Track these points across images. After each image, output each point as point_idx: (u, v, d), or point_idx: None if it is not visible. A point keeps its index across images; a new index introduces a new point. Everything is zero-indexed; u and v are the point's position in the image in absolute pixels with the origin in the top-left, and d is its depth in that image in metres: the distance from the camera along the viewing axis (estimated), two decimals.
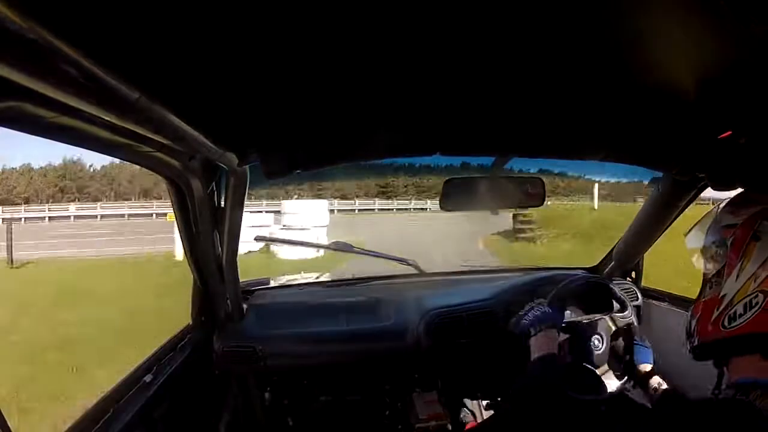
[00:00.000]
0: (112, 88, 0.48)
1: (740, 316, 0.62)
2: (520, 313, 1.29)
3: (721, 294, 0.66)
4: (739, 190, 0.79)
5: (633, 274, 1.72)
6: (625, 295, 1.48)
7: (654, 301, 1.63)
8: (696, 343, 0.71)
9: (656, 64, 0.63)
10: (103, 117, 0.53)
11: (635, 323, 1.41)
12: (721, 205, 0.75)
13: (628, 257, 1.68)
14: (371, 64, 0.63)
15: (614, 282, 1.57)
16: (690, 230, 0.81)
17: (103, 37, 0.43)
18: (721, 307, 0.66)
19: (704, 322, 0.69)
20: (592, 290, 1.45)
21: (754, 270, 0.62)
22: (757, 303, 0.60)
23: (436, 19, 0.51)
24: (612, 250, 1.74)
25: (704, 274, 0.73)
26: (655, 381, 1.17)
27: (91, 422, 0.91)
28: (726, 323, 0.64)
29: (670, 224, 1.47)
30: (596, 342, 1.36)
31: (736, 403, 0.59)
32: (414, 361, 1.49)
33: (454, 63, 0.64)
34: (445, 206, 1.13)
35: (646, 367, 1.22)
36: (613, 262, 1.72)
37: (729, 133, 0.85)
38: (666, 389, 1.14)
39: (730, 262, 0.66)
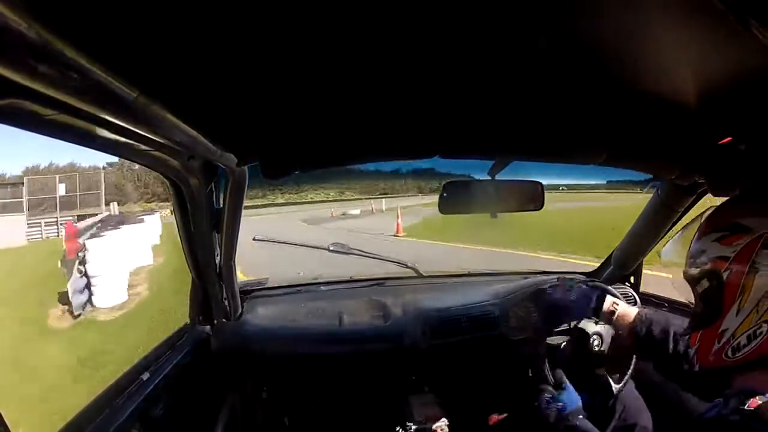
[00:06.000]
0: (111, 87, 0.48)
1: (744, 346, 0.61)
2: (537, 408, 1.27)
3: (721, 329, 0.64)
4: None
5: (632, 279, 1.72)
6: (623, 298, 1.48)
7: (652, 307, 1.62)
8: (697, 368, 0.71)
9: (657, 69, 0.63)
10: (102, 115, 0.53)
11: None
12: (704, 227, 0.70)
13: (626, 262, 1.68)
14: (371, 65, 0.63)
15: (613, 287, 1.57)
16: (665, 247, 0.79)
17: (102, 36, 0.43)
18: (722, 341, 0.64)
19: (704, 353, 0.67)
20: (591, 295, 1.45)
21: (754, 304, 0.61)
22: (761, 333, 0.60)
23: (436, 21, 0.51)
24: (611, 254, 1.74)
25: (696, 306, 0.70)
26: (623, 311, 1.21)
27: (88, 420, 0.90)
28: (729, 354, 0.63)
29: (670, 229, 1.47)
30: (596, 342, 1.36)
31: (737, 413, 0.58)
32: (412, 362, 1.49)
33: (455, 66, 0.64)
34: (443, 209, 1.13)
35: (608, 303, 1.25)
36: (611, 267, 1.72)
37: (729, 138, 0.85)
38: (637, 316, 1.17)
39: (728, 297, 0.63)
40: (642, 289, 1.72)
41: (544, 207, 1.21)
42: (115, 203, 22.59)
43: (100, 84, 0.46)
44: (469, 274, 2.03)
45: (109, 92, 0.48)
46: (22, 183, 20.91)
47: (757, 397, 0.57)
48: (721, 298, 0.64)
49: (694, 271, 0.68)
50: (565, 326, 1.40)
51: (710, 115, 0.77)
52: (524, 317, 1.56)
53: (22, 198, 20.06)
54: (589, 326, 1.37)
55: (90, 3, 0.40)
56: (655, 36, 0.52)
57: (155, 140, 0.72)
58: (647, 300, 1.65)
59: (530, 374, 1.50)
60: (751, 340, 0.60)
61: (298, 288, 1.79)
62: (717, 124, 0.82)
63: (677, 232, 0.79)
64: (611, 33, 0.53)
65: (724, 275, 0.64)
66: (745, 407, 0.57)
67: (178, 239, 1.27)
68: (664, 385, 1.33)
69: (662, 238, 1.52)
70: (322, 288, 1.79)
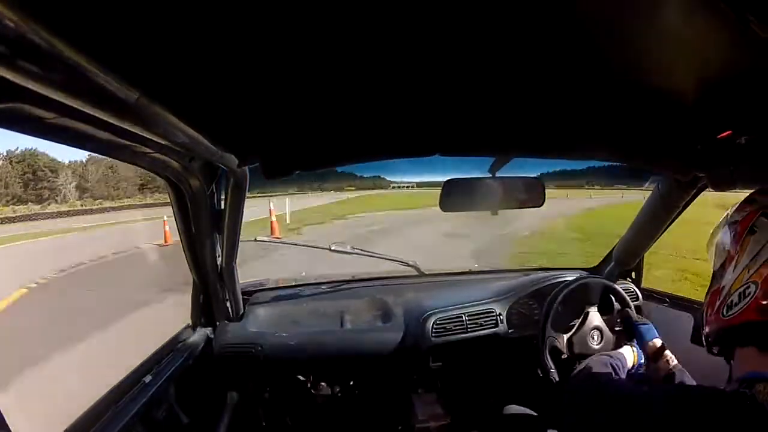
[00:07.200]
0: (112, 89, 0.48)
1: (735, 305, 0.66)
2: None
3: (722, 285, 0.70)
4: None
5: (633, 275, 1.72)
6: (626, 294, 1.48)
7: (654, 302, 1.63)
8: (706, 332, 0.74)
9: (656, 64, 0.63)
10: (103, 118, 0.53)
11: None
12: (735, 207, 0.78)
13: (627, 258, 1.68)
14: (371, 64, 0.63)
15: (615, 283, 1.57)
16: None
17: (102, 38, 0.43)
18: (721, 297, 0.69)
19: (710, 312, 0.73)
20: (593, 290, 1.46)
21: (747, 261, 0.66)
22: (749, 293, 0.63)
23: (435, 19, 0.51)
24: (612, 250, 1.74)
25: (713, 268, 0.77)
26: (668, 354, 1.19)
27: (91, 422, 0.90)
28: (725, 312, 0.68)
29: (670, 224, 1.47)
30: (595, 337, 1.37)
31: (738, 396, 0.60)
32: (414, 361, 1.49)
33: (454, 64, 0.64)
34: (444, 206, 1.13)
35: (657, 343, 1.22)
36: (612, 263, 1.72)
37: (729, 133, 0.85)
38: (677, 365, 1.16)
39: (731, 256, 0.70)
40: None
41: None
42: None
43: (101, 86, 0.46)
44: (470, 272, 2.04)
45: (110, 94, 0.48)
46: None
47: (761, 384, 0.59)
48: (726, 256, 0.72)
49: (717, 235, 0.77)
50: (567, 323, 1.41)
51: (709, 110, 0.78)
52: (526, 314, 1.56)
53: None
54: (590, 322, 1.38)
55: (91, 5, 0.40)
56: (654, 32, 0.53)
57: (156, 142, 0.72)
58: (648, 295, 1.65)
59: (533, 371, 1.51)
60: (741, 299, 0.65)
61: (300, 288, 1.79)
62: (716, 119, 0.82)
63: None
64: (610, 29, 0.53)
65: (731, 235, 0.72)
66: (748, 392, 0.58)
67: None
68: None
69: (663, 233, 1.52)
70: (323, 288, 1.79)
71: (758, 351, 0.63)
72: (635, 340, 1.28)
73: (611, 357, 1.13)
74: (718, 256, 0.75)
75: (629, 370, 1.21)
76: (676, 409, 0.64)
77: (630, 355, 1.23)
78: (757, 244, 0.65)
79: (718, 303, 0.70)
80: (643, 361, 1.25)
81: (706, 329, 0.74)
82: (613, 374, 1.03)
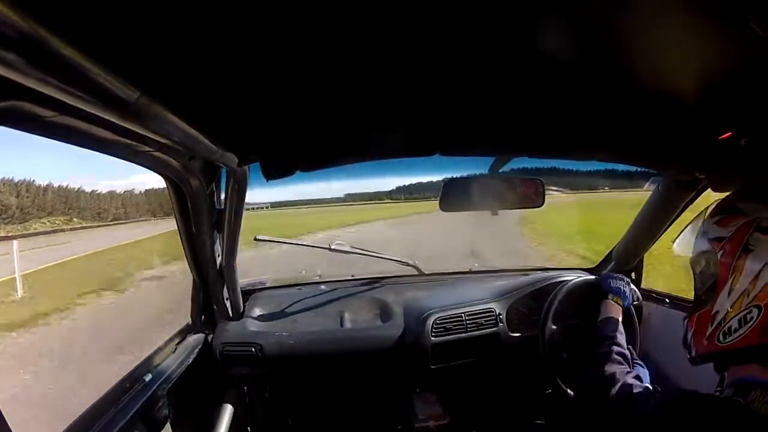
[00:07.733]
0: (112, 88, 0.48)
1: (735, 331, 0.61)
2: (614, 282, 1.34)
3: (714, 310, 0.65)
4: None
5: (633, 275, 1.72)
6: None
7: (654, 302, 1.62)
8: (693, 354, 0.71)
9: (656, 65, 0.63)
10: (103, 116, 0.53)
11: (635, 318, 1.41)
12: (708, 212, 0.72)
13: (627, 258, 1.68)
14: (371, 65, 0.63)
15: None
16: (678, 236, 0.80)
17: (102, 37, 0.43)
18: (715, 323, 0.65)
19: (699, 337, 0.68)
20: (593, 290, 1.46)
21: (745, 285, 0.61)
22: (751, 318, 0.60)
23: (435, 20, 0.51)
24: (612, 251, 1.74)
25: (695, 288, 0.72)
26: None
27: (91, 421, 0.91)
28: (721, 338, 0.64)
29: (670, 225, 1.47)
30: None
31: (732, 405, 0.59)
32: (414, 361, 1.49)
33: (454, 64, 0.64)
34: (444, 206, 1.13)
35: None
36: (612, 263, 1.72)
37: (729, 134, 0.85)
38: None
39: (721, 278, 0.65)
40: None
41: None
42: None
43: (101, 85, 0.46)
44: (470, 272, 2.04)
45: (111, 93, 0.48)
46: None
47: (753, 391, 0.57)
48: (715, 278, 0.66)
49: (696, 252, 0.71)
50: (567, 320, 1.41)
51: (710, 111, 0.78)
52: (526, 314, 1.56)
53: None
54: (590, 320, 1.38)
55: (91, 4, 0.40)
56: (655, 33, 0.53)
57: (156, 141, 0.72)
58: (648, 295, 1.65)
59: (532, 371, 1.51)
60: (742, 324, 0.61)
61: (300, 287, 1.79)
62: (717, 120, 0.82)
63: (690, 222, 0.79)
64: (610, 30, 0.53)
65: (719, 255, 0.65)
66: (742, 400, 0.57)
67: None
68: (666, 369, 1.34)
69: (663, 233, 1.52)
70: (323, 287, 1.79)
71: (759, 365, 0.60)
72: (611, 294, 1.31)
73: (611, 340, 1.08)
74: (702, 277, 0.70)
75: (627, 308, 1.25)
76: (671, 415, 0.63)
77: (615, 310, 1.24)
78: (755, 264, 0.61)
79: (710, 329, 0.65)
80: (629, 295, 1.29)
81: (695, 352, 0.70)
82: (621, 361, 0.99)
